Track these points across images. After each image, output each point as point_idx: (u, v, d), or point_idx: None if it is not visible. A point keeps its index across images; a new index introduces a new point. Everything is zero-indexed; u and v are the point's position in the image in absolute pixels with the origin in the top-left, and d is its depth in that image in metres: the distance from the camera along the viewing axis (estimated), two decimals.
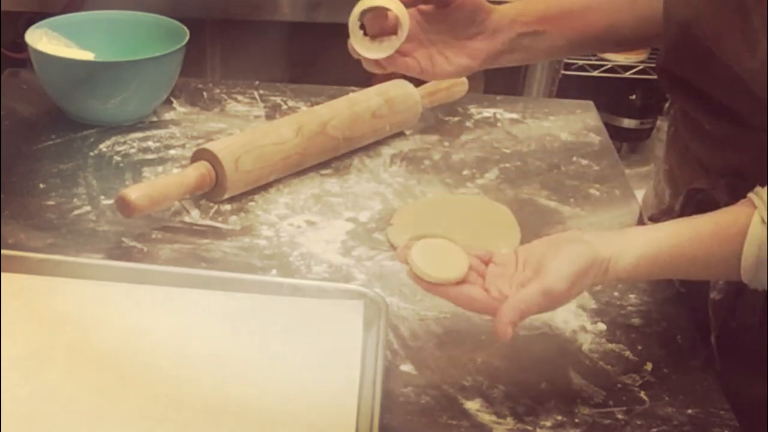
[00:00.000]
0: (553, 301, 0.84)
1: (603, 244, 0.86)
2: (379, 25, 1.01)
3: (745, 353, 0.99)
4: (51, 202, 1.15)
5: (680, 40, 0.99)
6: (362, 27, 1.01)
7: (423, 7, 1.05)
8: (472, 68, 1.08)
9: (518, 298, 0.83)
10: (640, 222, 1.19)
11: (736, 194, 0.92)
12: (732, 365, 0.97)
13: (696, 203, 1.01)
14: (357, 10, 1.00)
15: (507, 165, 1.30)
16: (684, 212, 1.02)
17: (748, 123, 0.91)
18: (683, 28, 0.97)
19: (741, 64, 0.90)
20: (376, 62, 1.03)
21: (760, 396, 0.98)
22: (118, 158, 1.26)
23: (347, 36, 1.00)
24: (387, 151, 1.32)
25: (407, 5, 1.01)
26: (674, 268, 0.89)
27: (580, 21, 1.12)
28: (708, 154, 1.01)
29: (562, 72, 2.32)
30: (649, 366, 0.94)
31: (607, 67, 2.43)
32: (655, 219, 1.09)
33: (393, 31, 1.01)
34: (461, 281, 0.86)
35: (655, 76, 1.39)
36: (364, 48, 1.01)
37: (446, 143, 1.35)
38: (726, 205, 0.93)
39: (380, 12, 1.00)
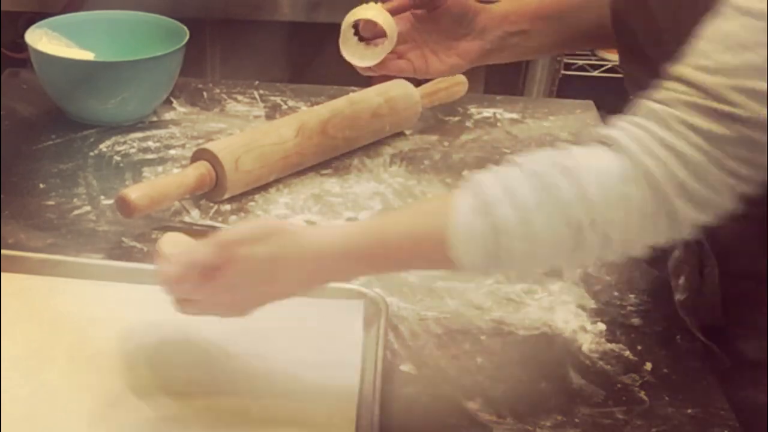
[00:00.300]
0: None
1: None
2: (371, 30, 1.10)
3: (728, 349, 0.99)
4: (51, 202, 1.15)
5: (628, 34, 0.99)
6: (356, 32, 1.10)
7: (413, 10, 1.11)
8: (463, 67, 1.15)
9: None
10: None
11: None
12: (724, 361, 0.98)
13: None
14: (348, 20, 1.10)
15: None
16: None
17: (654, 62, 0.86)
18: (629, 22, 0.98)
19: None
20: (368, 67, 1.12)
21: (758, 398, 0.99)
22: (118, 158, 1.26)
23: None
24: (387, 151, 1.32)
25: (395, 12, 1.10)
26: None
27: (571, 19, 1.14)
28: None
29: (562, 72, 2.32)
30: (648, 366, 0.94)
31: (607, 67, 2.43)
32: None
33: (385, 34, 1.09)
34: None
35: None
36: (354, 55, 1.11)
37: (446, 143, 1.35)
38: None
39: (370, 20, 1.09)
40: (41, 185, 1.19)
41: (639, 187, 0.74)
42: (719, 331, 0.99)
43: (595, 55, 2.44)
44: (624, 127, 0.77)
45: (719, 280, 0.97)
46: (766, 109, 0.71)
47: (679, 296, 1.02)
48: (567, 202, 0.74)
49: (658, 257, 1.10)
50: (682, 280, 1.02)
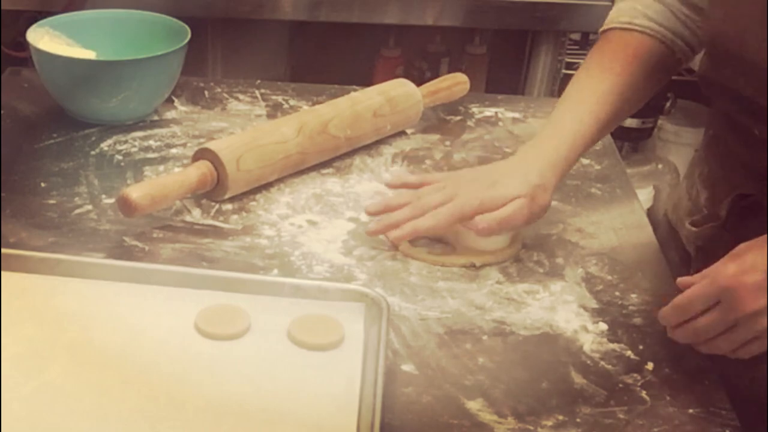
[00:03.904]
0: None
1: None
2: None
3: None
4: (52, 201, 1.15)
5: (721, 49, 0.99)
6: None
7: None
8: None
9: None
10: (652, 222, 1.20)
11: None
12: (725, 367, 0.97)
13: (741, 209, 1.02)
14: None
15: None
16: (729, 218, 1.03)
17: None
18: (723, 39, 0.98)
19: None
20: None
21: (760, 398, 0.99)
22: (119, 157, 1.26)
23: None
24: (388, 150, 1.32)
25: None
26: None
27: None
28: (756, 159, 1.01)
29: (564, 71, 2.31)
30: (650, 366, 0.94)
31: None
32: (697, 224, 1.10)
33: None
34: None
35: None
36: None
37: (447, 142, 1.35)
38: None
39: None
40: (42, 184, 1.19)
41: None
42: None
43: None
44: None
45: None
46: None
47: None
48: None
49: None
50: None
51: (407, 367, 0.92)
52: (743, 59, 0.95)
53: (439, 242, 1.11)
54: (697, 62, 1.10)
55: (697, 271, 0.90)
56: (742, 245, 0.87)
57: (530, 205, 1.05)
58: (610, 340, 0.97)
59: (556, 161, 1.08)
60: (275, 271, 1.04)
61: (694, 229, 1.11)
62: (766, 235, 0.87)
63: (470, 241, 1.08)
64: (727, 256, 0.87)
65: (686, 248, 1.15)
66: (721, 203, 1.05)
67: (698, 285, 0.88)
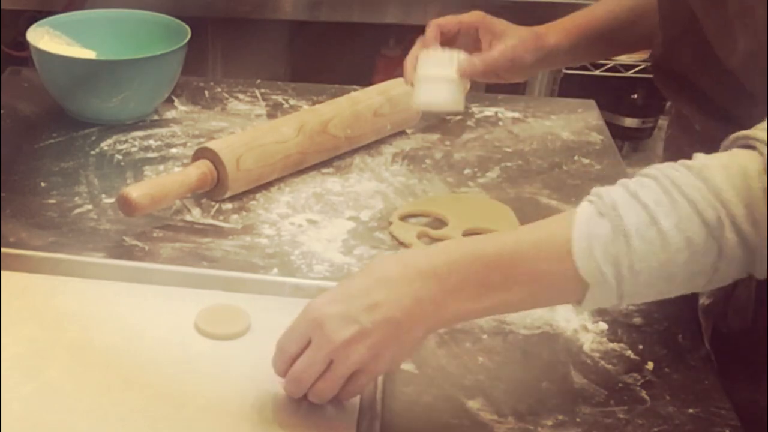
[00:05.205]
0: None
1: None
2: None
3: (739, 356, 0.99)
4: (52, 201, 1.15)
5: (680, 34, 0.98)
6: None
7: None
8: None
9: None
10: None
11: None
12: (728, 368, 0.97)
13: None
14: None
15: (508, 164, 1.30)
16: None
17: (737, 121, 0.90)
18: (684, 21, 0.97)
19: (729, 57, 0.90)
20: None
21: (758, 398, 0.98)
22: (119, 157, 1.26)
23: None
24: (388, 149, 1.32)
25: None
26: None
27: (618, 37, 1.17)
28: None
29: (564, 71, 2.32)
30: (650, 365, 0.94)
31: (608, 66, 2.43)
32: None
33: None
34: None
35: None
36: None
37: (447, 142, 1.35)
38: None
39: None
40: (42, 184, 1.19)
41: None
42: (724, 338, 0.99)
43: None
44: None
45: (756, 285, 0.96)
46: None
47: (703, 300, 1.01)
48: (700, 198, 0.70)
49: None
50: None
51: (407, 367, 0.92)
52: (709, 51, 0.93)
53: (435, 220, 1.14)
54: None
55: None
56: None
57: (536, 40, 1.11)
58: (610, 340, 0.97)
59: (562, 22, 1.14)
60: (275, 270, 1.04)
61: None
62: (369, 262, 0.83)
63: (423, 96, 1.14)
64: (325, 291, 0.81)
65: None
66: None
67: (295, 321, 0.79)
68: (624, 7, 1.17)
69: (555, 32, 1.16)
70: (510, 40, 1.14)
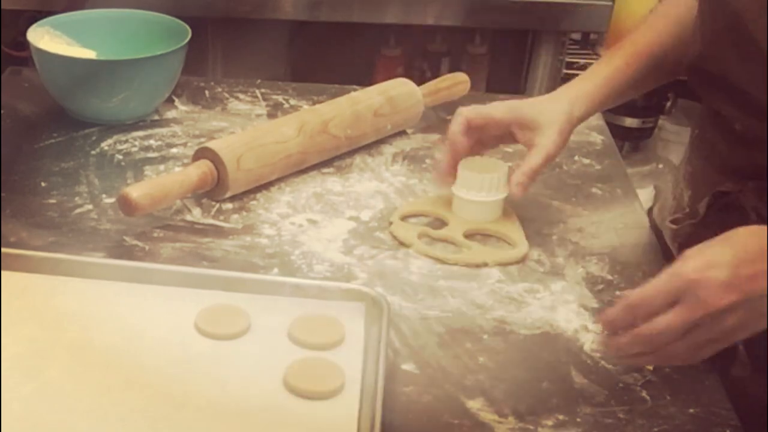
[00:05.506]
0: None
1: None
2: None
3: (739, 356, 0.98)
4: (52, 201, 1.15)
5: (721, 32, 0.97)
6: None
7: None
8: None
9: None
10: (651, 222, 1.19)
11: (763, 197, 0.91)
12: (728, 368, 0.97)
13: (720, 206, 1.01)
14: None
15: (509, 164, 1.30)
16: (708, 215, 1.02)
17: None
18: (726, 18, 0.96)
19: None
20: None
21: (758, 398, 0.98)
22: (119, 157, 1.26)
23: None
24: (389, 150, 1.32)
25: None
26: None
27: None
28: (736, 155, 1.00)
29: (564, 71, 2.31)
30: (650, 365, 0.94)
31: None
32: (678, 222, 1.09)
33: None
34: None
35: None
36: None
37: None
38: (753, 208, 0.92)
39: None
40: (42, 184, 1.19)
41: None
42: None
43: (597, 54, 2.43)
44: None
45: None
46: None
47: None
48: None
49: None
50: None
51: (408, 367, 0.92)
52: (755, 50, 0.92)
53: (436, 220, 1.14)
54: None
55: None
56: (704, 243, 0.81)
57: (569, 125, 1.08)
58: None
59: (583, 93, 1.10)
60: (275, 270, 1.04)
61: (674, 227, 1.11)
62: (728, 232, 0.81)
63: (463, 212, 1.13)
64: (689, 253, 0.79)
65: (670, 247, 1.15)
66: (701, 201, 1.05)
67: (657, 281, 0.78)
68: (650, 56, 1.13)
69: (581, 104, 1.10)
70: (547, 135, 1.08)
